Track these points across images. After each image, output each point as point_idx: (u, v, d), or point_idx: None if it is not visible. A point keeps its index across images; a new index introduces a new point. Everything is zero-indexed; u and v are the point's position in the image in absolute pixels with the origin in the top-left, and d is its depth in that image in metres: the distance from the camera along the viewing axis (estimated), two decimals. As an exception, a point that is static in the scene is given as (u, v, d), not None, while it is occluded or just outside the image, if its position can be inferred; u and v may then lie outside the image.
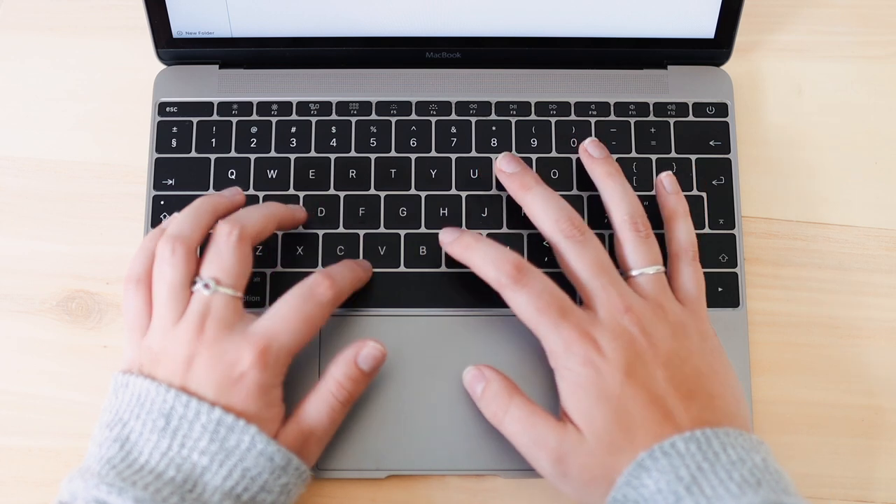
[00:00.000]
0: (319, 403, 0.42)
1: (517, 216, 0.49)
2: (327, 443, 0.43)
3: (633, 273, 0.44)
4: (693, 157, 0.50)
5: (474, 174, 0.50)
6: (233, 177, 0.49)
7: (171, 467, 0.38)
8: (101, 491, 0.36)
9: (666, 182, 0.48)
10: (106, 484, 0.37)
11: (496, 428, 0.42)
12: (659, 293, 0.43)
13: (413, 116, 0.51)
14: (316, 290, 0.42)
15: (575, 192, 0.49)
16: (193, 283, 0.42)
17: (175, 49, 0.51)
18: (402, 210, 0.49)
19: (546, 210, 0.44)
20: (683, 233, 0.46)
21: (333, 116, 0.51)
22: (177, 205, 0.49)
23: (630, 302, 0.42)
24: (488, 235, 0.48)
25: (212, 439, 0.39)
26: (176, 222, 0.43)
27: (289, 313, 0.41)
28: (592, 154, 0.47)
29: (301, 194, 0.49)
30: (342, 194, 0.49)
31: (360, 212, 0.49)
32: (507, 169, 0.46)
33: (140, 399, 0.40)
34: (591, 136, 0.50)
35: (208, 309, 0.41)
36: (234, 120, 0.50)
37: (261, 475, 0.39)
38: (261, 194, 0.49)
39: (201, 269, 0.42)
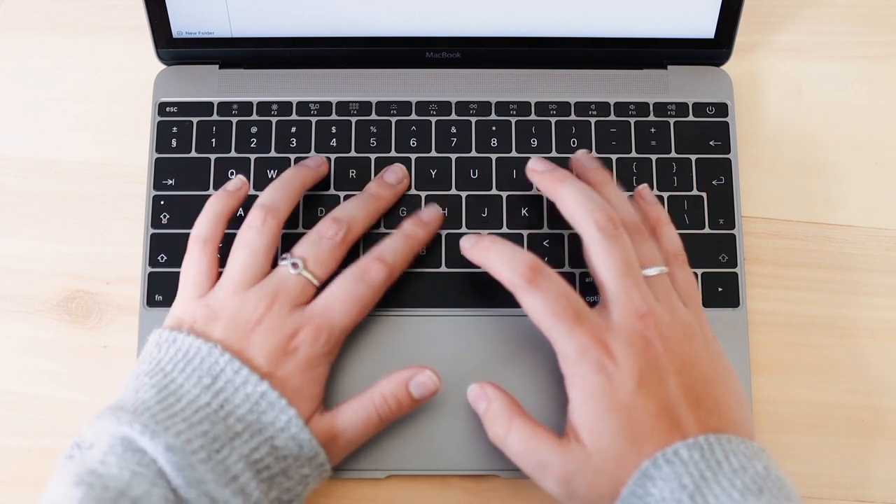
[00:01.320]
0: (359, 409, 0.42)
1: (517, 216, 0.49)
2: (354, 449, 0.43)
3: (645, 272, 0.43)
4: (693, 157, 0.50)
5: (474, 174, 0.50)
6: (233, 177, 0.49)
7: (206, 422, 0.38)
8: (135, 429, 0.37)
9: (645, 193, 0.48)
10: (140, 423, 0.37)
11: (499, 448, 0.42)
12: (667, 295, 0.42)
13: (413, 116, 0.51)
14: (368, 272, 0.44)
15: (575, 192, 0.49)
16: (278, 256, 0.43)
17: (175, 49, 0.51)
18: (403, 210, 0.49)
19: (580, 201, 0.43)
20: (672, 238, 0.46)
21: (333, 116, 0.51)
22: (177, 205, 0.49)
23: (651, 307, 0.41)
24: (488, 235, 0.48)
25: (251, 410, 0.39)
26: (269, 193, 0.45)
27: (341, 294, 0.43)
28: (588, 166, 0.47)
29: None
30: (342, 194, 0.49)
31: (360, 212, 0.49)
32: (540, 168, 0.46)
33: (187, 355, 0.40)
34: (591, 135, 0.50)
35: (286, 285, 0.43)
36: (234, 120, 0.50)
37: (286, 458, 0.39)
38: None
39: (295, 248, 0.44)
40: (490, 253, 0.43)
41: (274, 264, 0.44)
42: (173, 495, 0.36)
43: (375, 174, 0.49)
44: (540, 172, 0.46)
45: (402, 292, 0.47)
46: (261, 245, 0.43)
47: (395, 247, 0.45)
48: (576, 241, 0.48)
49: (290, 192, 0.46)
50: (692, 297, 0.44)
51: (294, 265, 0.43)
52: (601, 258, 0.42)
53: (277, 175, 0.49)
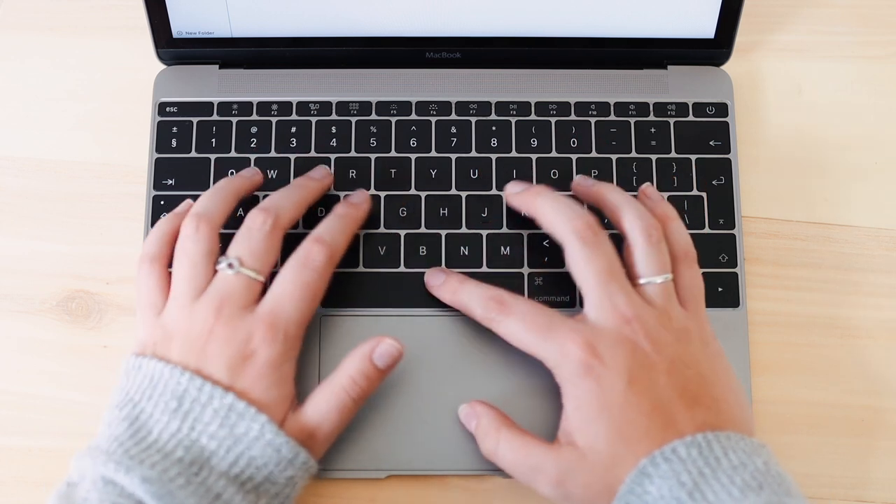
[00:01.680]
0: (330, 397, 0.42)
1: (517, 216, 0.49)
2: (335, 438, 0.43)
3: (641, 281, 0.43)
4: (693, 157, 0.50)
5: (474, 174, 0.50)
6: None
7: (180, 448, 0.38)
8: (109, 469, 0.37)
9: (650, 191, 0.47)
10: (114, 462, 0.37)
11: (493, 462, 0.42)
12: (665, 301, 0.42)
13: (413, 116, 0.51)
14: (309, 256, 0.43)
15: (575, 192, 0.49)
16: (216, 262, 0.42)
17: (175, 49, 0.51)
18: (402, 210, 0.49)
19: (558, 210, 0.43)
20: (680, 235, 0.45)
21: (333, 116, 0.51)
22: (177, 205, 0.49)
23: (637, 311, 0.41)
24: (488, 236, 0.49)
25: (222, 424, 0.39)
26: (200, 202, 0.44)
27: (287, 285, 0.42)
28: (583, 184, 0.48)
29: (301, 194, 0.49)
30: (342, 194, 0.49)
31: (360, 212, 0.49)
32: (516, 189, 0.47)
33: (153, 381, 0.40)
34: (591, 135, 0.50)
35: (230, 288, 0.42)
36: (234, 120, 0.50)
37: (266, 465, 0.39)
38: (261, 194, 0.49)
39: (228, 249, 0.43)
40: (460, 294, 0.44)
41: None
42: None
43: (375, 174, 0.49)
44: (516, 194, 0.46)
45: (402, 292, 0.47)
46: (197, 252, 0.42)
47: (331, 227, 0.45)
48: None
49: (222, 199, 0.44)
50: (694, 298, 0.43)
51: (230, 265, 0.42)
52: (581, 265, 0.42)
53: (277, 175, 0.49)
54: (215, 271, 0.42)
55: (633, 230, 0.44)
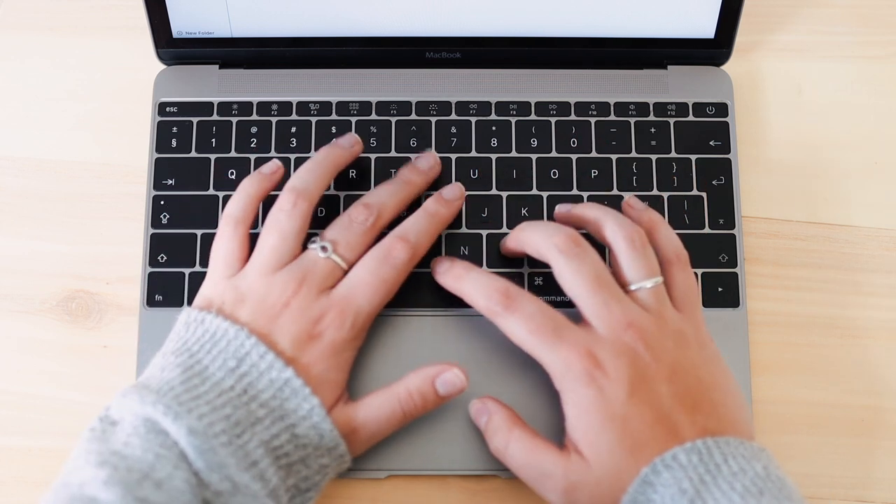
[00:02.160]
0: (384, 403, 0.42)
1: (517, 216, 0.49)
2: (375, 442, 0.43)
3: (632, 287, 0.42)
4: (693, 157, 0.50)
5: (474, 174, 0.50)
6: (233, 177, 0.49)
7: (229, 406, 0.38)
8: (158, 410, 0.37)
9: (633, 202, 0.47)
10: (163, 404, 0.37)
11: (501, 461, 0.42)
12: (659, 305, 0.42)
13: (413, 116, 0.51)
14: (391, 253, 0.43)
15: (575, 191, 0.49)
16: (308, 240, 0.43)
17: (175, 49, 0.51)
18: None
19: (538, 231, 0.44)
20: (669, 240, 0.45)
21: (333, 116, 0.51)
22: (177, 205, 0.49)
23: (632, 317, 0.41)
24: (488, 236, 0.49)
25: (274, 396, 0.39)
26: (301, 176, 0.45)
27: (365, 277, 0.43)
28: (561, 211, 0.47)
29: (301, 194, 0.49)
30: (342, 194, 0.49)
31: (360, 212, 0.49)
32: (507, 242, 0.46)
33: (215, 337, 0.40)
34: (591, 135, 0.50)
35: (315, 268, 0.42)
36: (234, 120, 0.50)
37: (306, 447, 0.39)
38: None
39: (325, 232, 0.44)
40: (465, 283, 0.44)
41: (305, 248, 0.44)
42: (195, 478, 0.36)
43: (376, 174, 0.49)
44: (503, 242, 0.47)
45: (402, 292, 0.47)
46: (291, 228, 0.43)
47: (418, 226, 0.45)
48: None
49: (322, 175, 0.45)
50: (688, 301, 0.43)
51: (323, 248, 0.43)
52: (570, 278, 0.42)
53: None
54: (303, 248, 0.43)
55: (615, 239, 0.43)
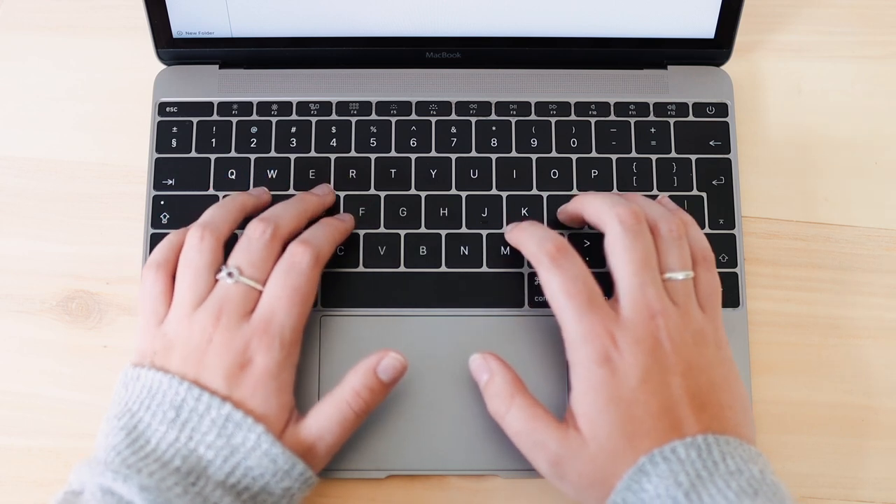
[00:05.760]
0: (333, 411, 0.41)
1: (517, 216, 0.49)
2: (337, 451, 0.43)
3: (665, 276, 0.42)
4: (693, 157, 0.50)
5: (474, 174, 0.50)
6: (233, 177, 0.49)
7: (178, 458, 0.38)
8: (107, 478, 0.37)
9: (665, 201, 0.48)
10: (111, 471, 0.37)
11: (497, 423, 0.42)
12: (686, 299, 0.42)
13: (413, 116, 0.51)
14: (293, 260, 0.43)
15: (575, 191, 0.49)
16: (218, 271, 0.42)
17: (175, 49, 0.51)
18: (402, 210, 0.49)
19: (606, 199, 0.44)
20: (697, 241, 0.45)
21: (333, 116, 0.51)
22: (177, 205, 0.49)
23: (664, 306, 0.41)
24: (488, 236, 0.49)
25: (219, 434, 0.39)
26: (207, 213, 0.45)
27: (277, 292, 0.42)
28: (626, 197, 0.47)
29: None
30: (342, 194, 0.49)
31: (360, 212, 0.49)
32: (558, 214, 0.48)
33: (151, 391, 0.40)
34: (591, 135, 0.50)
35: (229, 297, 0.42)
36: (234, 120, 0.50)
37: (263, 476, 0.39)
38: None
39: (229, 259, 0.43)
40: (523, 232, 0.44)
41: None
42: None
43: (375, 174, 0.49)
44: (563, 207, 0.48)
45: (402, 292, 0.47)
46: (202, 263, 0.42)
47: (315, 231, 0.45)
48: (576, 239, 0.48)
49: (228, 213, 0.45)
50: (711, 302, 0.43)
51: (230, 274, 0.42)
52: (619, 252, 0.42)
53: (277, 175, 0.49)
54: (216, 281, 0.42)
55: (659, 223, 0.43)
